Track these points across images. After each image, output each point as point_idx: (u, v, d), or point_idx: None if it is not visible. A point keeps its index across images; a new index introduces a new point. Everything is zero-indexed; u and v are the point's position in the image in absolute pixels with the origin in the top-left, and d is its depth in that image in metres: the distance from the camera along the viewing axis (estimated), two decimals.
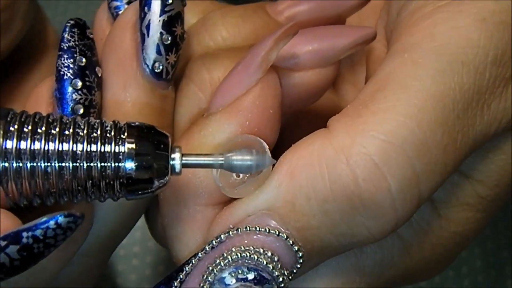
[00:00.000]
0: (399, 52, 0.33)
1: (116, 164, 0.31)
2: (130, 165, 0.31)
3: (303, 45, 0.36)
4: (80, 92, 0.35)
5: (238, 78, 0.34)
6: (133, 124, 0.32)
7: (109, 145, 0.31)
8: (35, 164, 0.30)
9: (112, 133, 0.31)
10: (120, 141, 0.31)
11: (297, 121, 0.41)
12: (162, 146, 0.31)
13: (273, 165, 0.33)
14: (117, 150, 0.31)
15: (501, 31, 0.33)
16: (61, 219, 0.30)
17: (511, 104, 0.34)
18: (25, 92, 0.42)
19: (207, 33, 0.40)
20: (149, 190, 0.31)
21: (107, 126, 0.31)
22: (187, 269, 0.34)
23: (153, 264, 0.58)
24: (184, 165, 0.32)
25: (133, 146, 0.31)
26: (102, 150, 0.31)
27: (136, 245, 0.59)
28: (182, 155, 0.32)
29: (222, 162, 0.32)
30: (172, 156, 0.32)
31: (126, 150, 0.31)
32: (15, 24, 0.40)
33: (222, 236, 0.33)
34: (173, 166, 0.31)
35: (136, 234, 0.59)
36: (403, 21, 0.35)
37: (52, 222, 0.30)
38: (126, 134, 0.31)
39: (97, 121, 0.32)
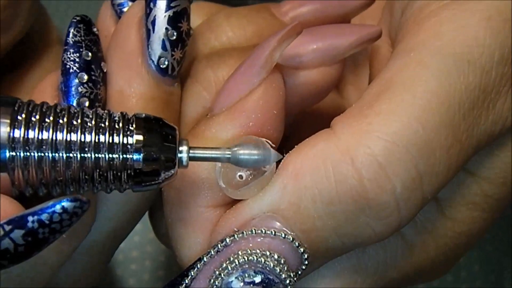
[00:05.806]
0: (405, 52, 0.33)
1: (124, 155, 0.31)
2: (137, 156, 0.31)
3: (308, 44, 0.36)
4: (85, 85, 0.35)
5: (241, 79, 0.34)
6: (141, 116, 0.32)
7: (117, 136, 0.31)
8: (42, 153, 0.30)
9: (120, 124, 0.31)
10: (128, 132, 0.31)
11: (301, 121, 0.40)
12: (169, 138, 0.31)
13: (277, 165, 0.33)
14: (125, 142, 0.31)
15: (506, 29, 0.33)
16: (67, 204, 0.29)
17: None
18: (27, 88, 0.42)
19: (212, 33, 0.40)
20: (156, 182, 0.31)
21: (115, 117, 0.31)
22: (192, 273, 0.33)
23: (151, 268, 0.58)
24: (191, 158, 0.32)
25: (141, 137, 0.31)
26: (110, 141, 0.30)
27: (134, 250, 0.58)
28: (190, 148, 0.32)
29: (229, 156, 0.32)
30: (180, 148, 0.31)
31: (134, 142, 0.31)
32: (17, 22, 0.39)
33: (228, 239, 0.33)
34: (180, 159, 0.31)
35: (134, 238, 0.58)
36: (408, 20, 0.35)
37: (58, 206, 0.29)
38: (134, 125, 0.31)
39: (105, 112, 0.31)
